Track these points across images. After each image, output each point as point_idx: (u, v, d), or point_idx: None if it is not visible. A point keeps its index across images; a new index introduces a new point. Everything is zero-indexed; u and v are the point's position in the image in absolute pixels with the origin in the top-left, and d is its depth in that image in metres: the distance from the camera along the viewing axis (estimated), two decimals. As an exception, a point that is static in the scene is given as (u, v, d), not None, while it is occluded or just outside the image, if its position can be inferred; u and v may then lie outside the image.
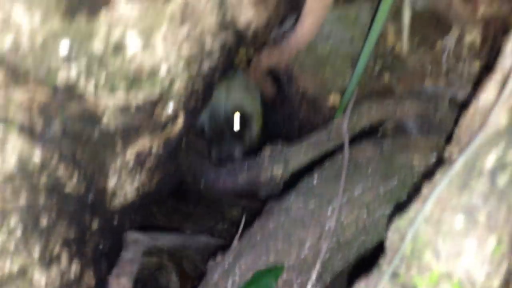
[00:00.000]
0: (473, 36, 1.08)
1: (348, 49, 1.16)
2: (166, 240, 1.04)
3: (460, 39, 1.16)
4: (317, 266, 1.00)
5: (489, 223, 0.50)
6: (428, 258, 0.51)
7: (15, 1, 0.58)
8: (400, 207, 1.08)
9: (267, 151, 1.20)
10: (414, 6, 1.08)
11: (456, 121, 1.04)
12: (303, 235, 1.02)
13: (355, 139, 1.19)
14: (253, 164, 1.20)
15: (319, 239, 1.02)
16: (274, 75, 1.35)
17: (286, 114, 1.39)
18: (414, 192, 1.09)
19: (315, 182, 1.12)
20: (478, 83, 1.16)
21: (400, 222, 0.56)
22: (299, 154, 1.18)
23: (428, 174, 1.10)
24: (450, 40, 1.16)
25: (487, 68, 1.15)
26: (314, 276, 1.00)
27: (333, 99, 1.25)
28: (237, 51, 0.94)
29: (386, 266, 0.54)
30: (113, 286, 0.89)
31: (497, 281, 0.50)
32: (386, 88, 1.30)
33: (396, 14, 1.12)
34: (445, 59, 1.21)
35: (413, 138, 1.20)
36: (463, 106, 1.19)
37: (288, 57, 0.96)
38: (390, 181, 1.11)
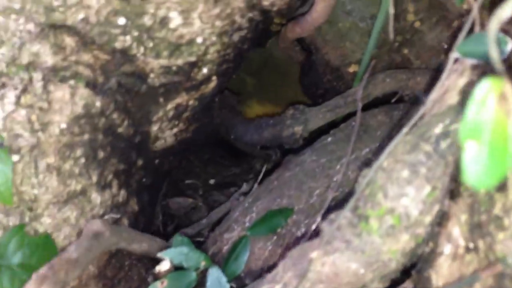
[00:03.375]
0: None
1: (368, 25, 1.28)
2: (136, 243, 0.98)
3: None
4: (323, 211, 1.16)
5: (428, 175, 0.66)
6: (380, 197, 0.68)
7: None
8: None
9: (290, 111, 1.35)
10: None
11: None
12: (313, 185, 1.18)
13: (369, 106, 1.33)
14: (277, 121, 1.35)
15: (326, 189, 1.18)
16: (304, 43, 1.49)
17: (312, 79, 1.53)
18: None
19: (329, 140, 1.27)
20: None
21: (367, 170, 0.73)
22: (318, 116, 1.32)
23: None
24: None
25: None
26: (319, 219, 1.16)
27: (353, 69, 1.39)
28: (265, 24, 1.10)
29: (351, 201, 0.72)
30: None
31: (428, 218, 0.66)
32: (405, 62, 1.42)
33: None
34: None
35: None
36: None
37: (307, 32, 1.10)
38: (396, 144, 1.24)
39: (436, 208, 0.66)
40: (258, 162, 1.91)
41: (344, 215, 0.70)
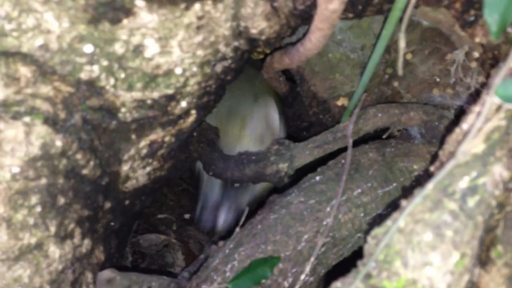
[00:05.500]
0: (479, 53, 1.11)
1: (358, 56, 1.21)
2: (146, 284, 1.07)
3: (469, 54, 1.19)
4: (312, 259, 1.05)
5: (455, 239, 0.56)
6: (398, 265, 0.57)
7: (47, 9, 0.65)
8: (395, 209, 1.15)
9: (274, 146, 1.25)
10: (421, 22, 1.12)
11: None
12: (301, 229, 1.08)
13: (359, 142, 1.24)
14: (260, 157, 1.25)
15: (316, 234, 1.08)
16: (288, 73, 1.40)
17: (297, 111, 1.44)
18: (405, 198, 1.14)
19: (317, 179, 1.17)
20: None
21: (378, 230, 0.62)
22: (305, 152, 1.23)
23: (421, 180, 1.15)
24: (460, 54, 1.20)
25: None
26: (308, 268, 1.06)
27: (342, 102, 1.30)
28: (250, 53, 1.00)
29: (361, 267, 0.60)
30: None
31: (457, 291, 0.55)
32: (395, 95, 1.34)
33: (407, 25, 1.16)
34: (453, 71, 1.24)
35: (416, 145, 1.24)
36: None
37: (297, 63, 1.01)
38: (389, 184, 1.16)
39: (466, 279, 0.56)
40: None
41: (356, 285, 0.58)
